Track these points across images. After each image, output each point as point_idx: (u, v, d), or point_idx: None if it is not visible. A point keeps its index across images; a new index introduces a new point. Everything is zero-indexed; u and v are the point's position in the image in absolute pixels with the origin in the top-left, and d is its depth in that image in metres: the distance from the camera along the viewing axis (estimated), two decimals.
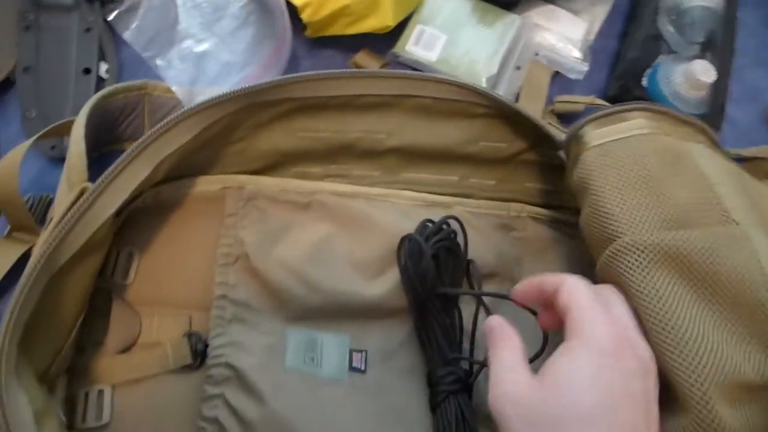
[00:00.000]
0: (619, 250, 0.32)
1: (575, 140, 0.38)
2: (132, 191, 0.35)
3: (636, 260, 0.31)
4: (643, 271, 0.31)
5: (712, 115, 0.53)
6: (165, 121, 0.36)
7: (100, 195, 0.34)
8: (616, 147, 0.36)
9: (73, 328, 0.37)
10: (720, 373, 0.27)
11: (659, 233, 0.31)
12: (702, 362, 0.28)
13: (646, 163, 0.34)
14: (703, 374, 0.28)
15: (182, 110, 0.37)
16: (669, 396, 0.29)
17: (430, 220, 0.42)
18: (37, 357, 0.33)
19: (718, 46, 0.54)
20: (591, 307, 0.28)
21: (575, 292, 0.29)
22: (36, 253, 0.33)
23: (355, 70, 0.42)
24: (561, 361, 0.27)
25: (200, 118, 0.38)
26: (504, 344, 0.30)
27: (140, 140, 0.35)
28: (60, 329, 0.36)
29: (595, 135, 0.37)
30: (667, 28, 0.54)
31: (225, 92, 0.38)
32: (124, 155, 0.35)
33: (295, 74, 0.40)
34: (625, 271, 0.31)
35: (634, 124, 0.37)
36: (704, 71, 0.51)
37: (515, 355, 0.30)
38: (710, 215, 0.32)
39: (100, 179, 0.34)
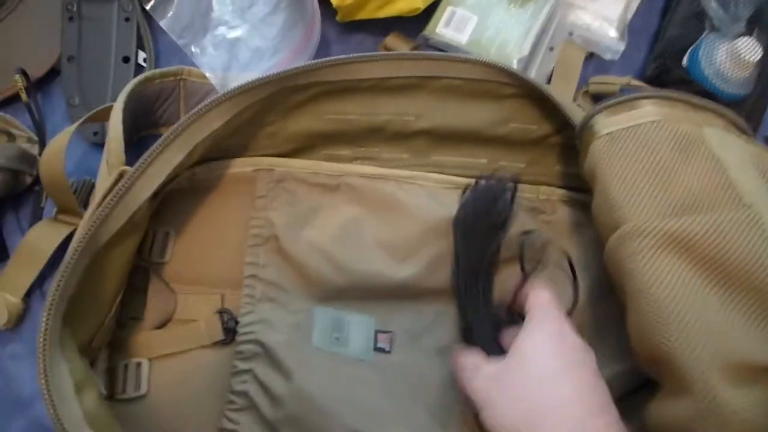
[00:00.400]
0: (623, 237, 0.32)
1: (587, 129, 0.38)
2: (167, 175, 0.37)
3: (639, 246, 0.32)
4: (645, 256, 0.31)
5: (756, 96, 0.51)
6: (198, 107, 0.37)
7: (138, 179, 0.35)
8: (625, 135, 0.36)
9: (114, 303, 0.39)
10: (723, 354, 0.28)
11: (665, 220, 0.32)
12: (702, 344, 0.28)
13: (655, 151, 0.34)
14: (703, 355, 0.28)
15: (214, 97, 0.38)
16: (672, 379, 0.30)
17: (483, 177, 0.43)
18: (80, 330, 0.36)
19: (765, 21, 0.52)
20: (549, 302, 0.36)
21: (540, 293, 0.36)
22: (79, 233, 0.35)
23: (381, 53, 0.42)
24: (522, 338, 0.34)
25: (232, 104, 0.39)
26: (464, 356, 0.37)
27: (174, 126, 0.37)
28: (101, 304, 0.38)
29: (605, 123, 0.37)
30: (711, 4, 0.52)
31: (255, 79, 0.39)
32: (159, 141, 0.36)
33: (323, 59, 0.40)
34: (628, 256, 0.32)
35: (643, 112, 0.36)
36: (750, 49, 0.49)
37: (476, 356, 0.36)
38: (721, 200, 0.32)
39: (137, 164, 0.36)
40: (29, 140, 0.50)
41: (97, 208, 0.36)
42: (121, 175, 0.38)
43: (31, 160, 0.48)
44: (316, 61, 0.40)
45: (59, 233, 0.47)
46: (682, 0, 0.53)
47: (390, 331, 0.42)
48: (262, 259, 0.43)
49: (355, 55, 0.41)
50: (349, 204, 0.45)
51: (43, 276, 0.47)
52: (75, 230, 0.47)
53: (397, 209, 0.44)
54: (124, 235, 0.36)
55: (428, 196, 0.45)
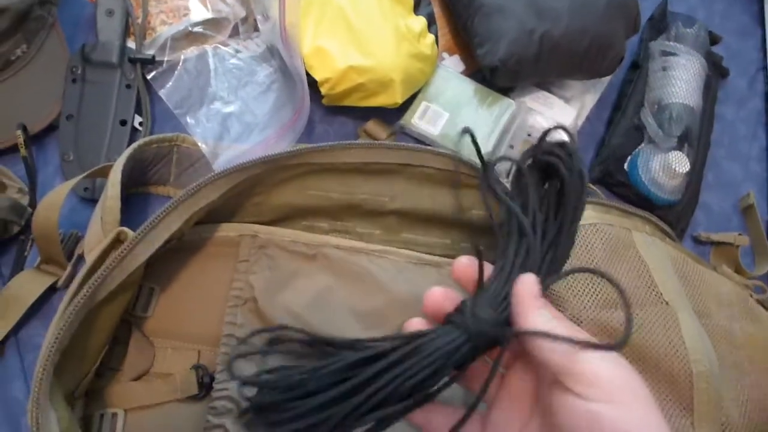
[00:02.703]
0: None
1: None
2: (164, 241, 0.40)
3: None
4: None
5: (685, 202, 0.59)
6: (197, 182, 0.41)
7: (139, 243, 0.38)
8: None
9: (100, 355, 0.41)
10: None
11: (598, 310, 0.37)
12: None
13: (591, 251, 0.40)
14: None
15: (213, 174, 0.42)
16: None
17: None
18: (67, 380, 0.38)
19: (694, 140, 0.60)
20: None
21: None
22: (74, 289, 0.38)
23: (364, 141, 0.47)
24: None
25: (229, 180, 0.43)
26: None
27: (176, 197, 0.40)
28: (89, 356, 0.40)
29: None
30: (649, 121, 0.60)
31: (252, 159, 0.43)
32: (161, 210, 0.40)
33: (311, 145, 0.45)
34: None
35: (585, 214, 0.43)
36: (679, 162, 0.57)
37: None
38: (645, 296, 0.38)
39: (139, 230, 0.39)
40: (20, 191, 0.52)
41: (94, 265, 0.39)
42: (118, 235, 0.41)
43: (20, 211, 0.50)
44: (305, 146, 0.45)
45: (41, 284, 0.49)
46: (625, 114, 0.61)
47: None
48: (239, 318, 0.46)
49: (339, 143, 0.46)
50: (324, 273, 0.49)
51: (18, 324, 0.48)
52: (56, 281, 0.49)
53: (368, 281, 0.48)
54: (118, 293, 0.39)
55: (397, 271, 0.49)
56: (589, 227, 0.42)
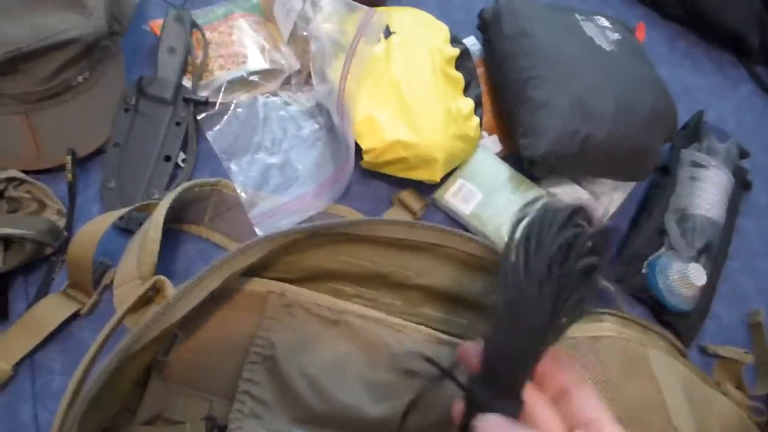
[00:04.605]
0: None
1: None
2: (203, 298, 0.41)
3: None
4: None
5: (697, 312, 0.60)
6: (243, 245, 0.42)
7: (179, 301, 0.39)
8: (585, 344, 0.43)
9: (124, 401, 0.41)
10: None
11: None
12: None
13: (607, 365, 0.41)
14: None
15: (260, 238, 0.43)
16: None
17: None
18: (89, 426, 0.38)
19: (713, 253, 0.62)
20: None
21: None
22: (104, 334, 0.38)
23: (405, 220, 0.49)
24: None
25: (271, 244, 0.44)
26: None
27: (218, 260, 0.41)
28: (114, 402, 0.40)
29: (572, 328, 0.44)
30: (672, 227, 0.62)
31: (296, 228, 0.45)
32: (204, 270, 0.41)
33: (357, 219, 0.47)
34: None
35: (603, 326, 0.44)
36: (696, 275, 0.58)
37: None
38: (655, 417, 0.39)
39: (180, 289, 0.40)
40: (58, 213, 0.53)
41: (126, 312, 0.40)
42: (154, 285, 0.42)
43: (57, 234, 0.51)
44: (349, 220, 0.47)
45: (66, 309, 0.50)
46: (650, 217, 0.63)
47: None
48: (257, 376, 0.47)
49: (383, 218, 0.48)
50: (344, 340, 0.49)
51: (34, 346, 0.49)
52: (79, 310, 0.50)
53: (384, 353, 0.49)
54: (151, 344, 0.40)
55: (413, 346, 0.50)
56: (605, 340, 0.44)
